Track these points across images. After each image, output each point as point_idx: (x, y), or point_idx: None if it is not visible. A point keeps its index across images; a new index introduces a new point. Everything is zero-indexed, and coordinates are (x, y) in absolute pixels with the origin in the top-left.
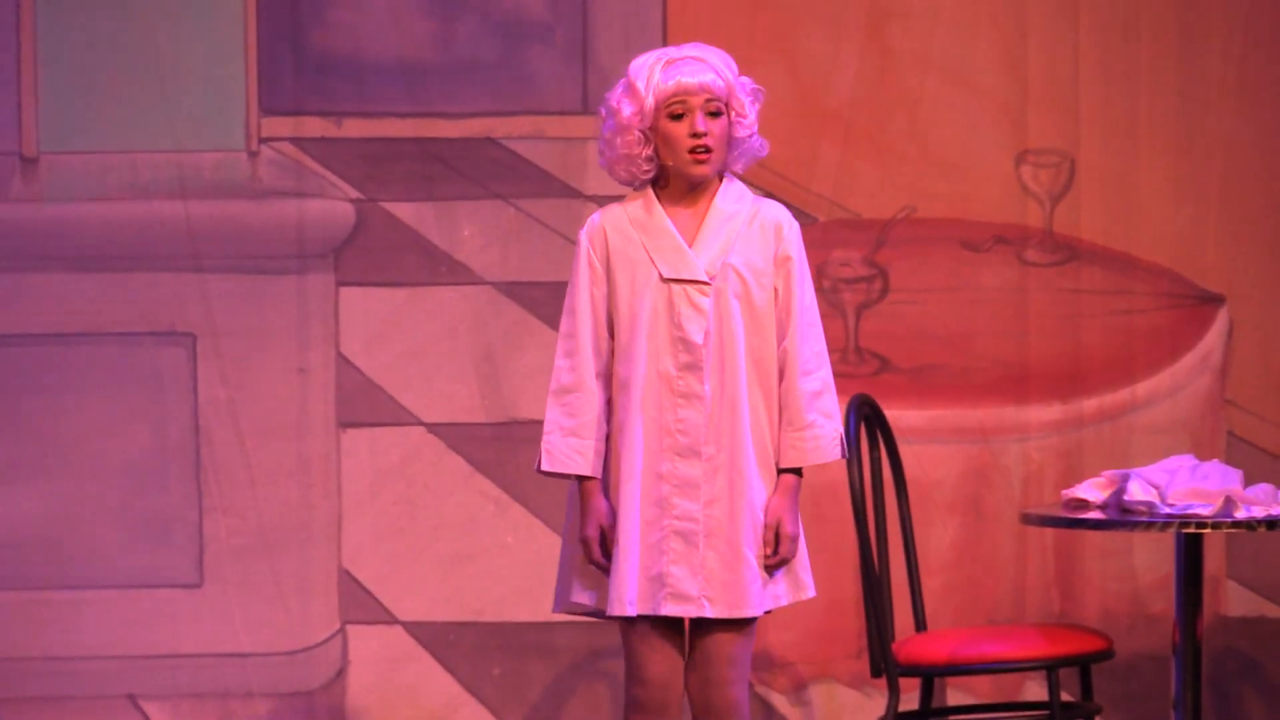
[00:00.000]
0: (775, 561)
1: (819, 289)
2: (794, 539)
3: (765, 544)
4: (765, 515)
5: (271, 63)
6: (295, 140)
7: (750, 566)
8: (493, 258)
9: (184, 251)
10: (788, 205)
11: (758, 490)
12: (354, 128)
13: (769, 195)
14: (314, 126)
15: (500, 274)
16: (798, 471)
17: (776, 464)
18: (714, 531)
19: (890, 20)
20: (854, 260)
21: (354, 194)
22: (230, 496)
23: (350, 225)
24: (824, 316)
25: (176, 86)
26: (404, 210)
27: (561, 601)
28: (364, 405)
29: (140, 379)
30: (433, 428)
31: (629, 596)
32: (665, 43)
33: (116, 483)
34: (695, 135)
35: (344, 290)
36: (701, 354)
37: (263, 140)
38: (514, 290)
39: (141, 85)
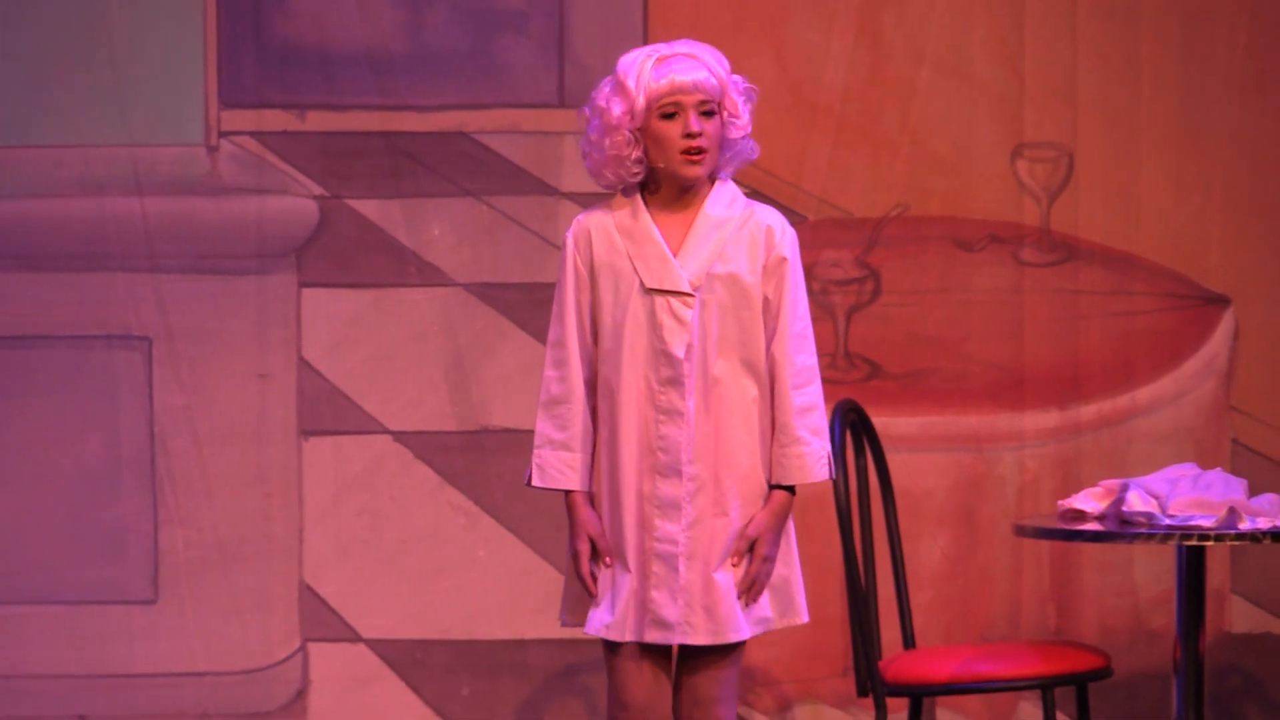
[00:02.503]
0: (745, 580)
1: (808, 290)
2: (767, 559)
3: (736, 554)
4: (748, 529)
5: (232, 53)
6: (256, 134)
7: (727, 590)
8: (464, 258)
9: (139, 251)
10: (776, 203)
11: (742, 512)
12: (318, 121)
13: (756, 193)
14: (276, 120)
15: (472, 275)
16: (791, 489)
17: (766, 481)
18: (696, 554)
19: (882, 10)
20: (845, 261)
21: (318, 191)
22: (187, 507)
23: (313, 224)
24: (813, 319)
25: (132, 77)
26: (370, 208)
27: (565, 617)
28: (327, 412)
29: (93, 384)
30: (399, 436)
31: (616, 623)
32: (646, 32)
33: (67, 493)
34: (689, 135)
35: (307, 292)
36: (684, 368)
37: (222, 134)
38: (486, 292)
39: (95, 76)
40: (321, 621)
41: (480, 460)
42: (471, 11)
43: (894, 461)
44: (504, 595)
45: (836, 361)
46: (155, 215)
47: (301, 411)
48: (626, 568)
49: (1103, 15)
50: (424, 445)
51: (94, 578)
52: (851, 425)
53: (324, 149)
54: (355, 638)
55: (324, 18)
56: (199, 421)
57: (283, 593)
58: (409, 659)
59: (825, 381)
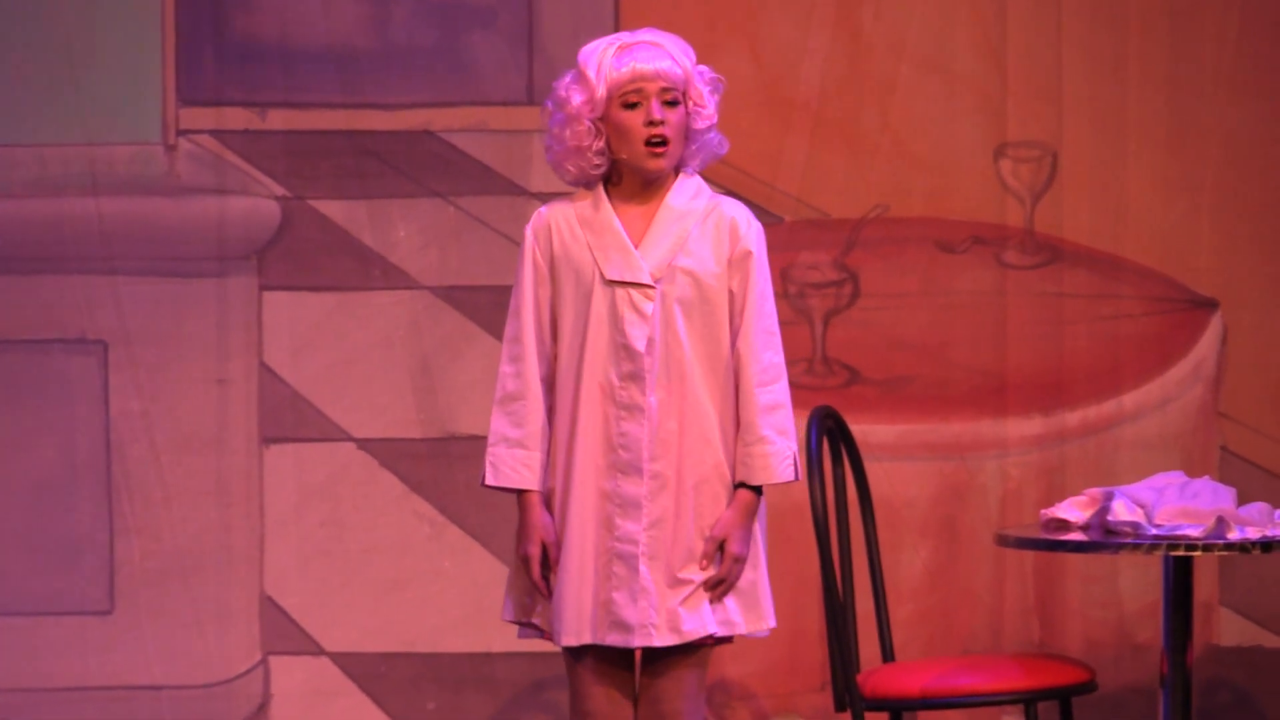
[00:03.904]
0: (713, 579)
1: (784, 294)
2: (739, 560)
3: (705, 557)
4: (714, 530)
5: (190, 48)
6: (216, 133)
7: (690, 589)
8: (430, 260)
9: (96, 253)
10: (751, 204)
11: (708, 511)
12: (280, 119)
13: (730, 193)
14: (236, 118)
15: (438, 278)
16: (757, 489)
17: (732, 480)
18: (657, 554)
19: (861, 4)
20: (822, 263)
21: (279, 191)
22: (144, 517)
23: (275, 225)
24: (790, 324)
25: (88, 74)
26: (334, 209)
27: (512, 613)
28: (289, 419)
29: (48, 390)
30: (364, 443)
31: (574, 625)
32: (618, 27)
33: (21, 501)
34: (651, 124)
35: (268, 295)
36: (645, 362)
37: (181, 133)
38: (453, 295)
39: (50, 72)
40: (283, 634)
41: (447, 468)
42: (438, 6)
43: (873, 470)
44: (470, 607)
45: (814, 367)
46: (112, 216)
47: (263, 418)
48: (583, 569)
49: (1088, 11)
50: (389, 453)
51: (48, 589)
52: (829, 433)
53: (286, 148)
54: (318, 650)
55: (286, 13)
56: (157, 428)
57: (243, 604)
58: (373, 672)
59: (802, 388)
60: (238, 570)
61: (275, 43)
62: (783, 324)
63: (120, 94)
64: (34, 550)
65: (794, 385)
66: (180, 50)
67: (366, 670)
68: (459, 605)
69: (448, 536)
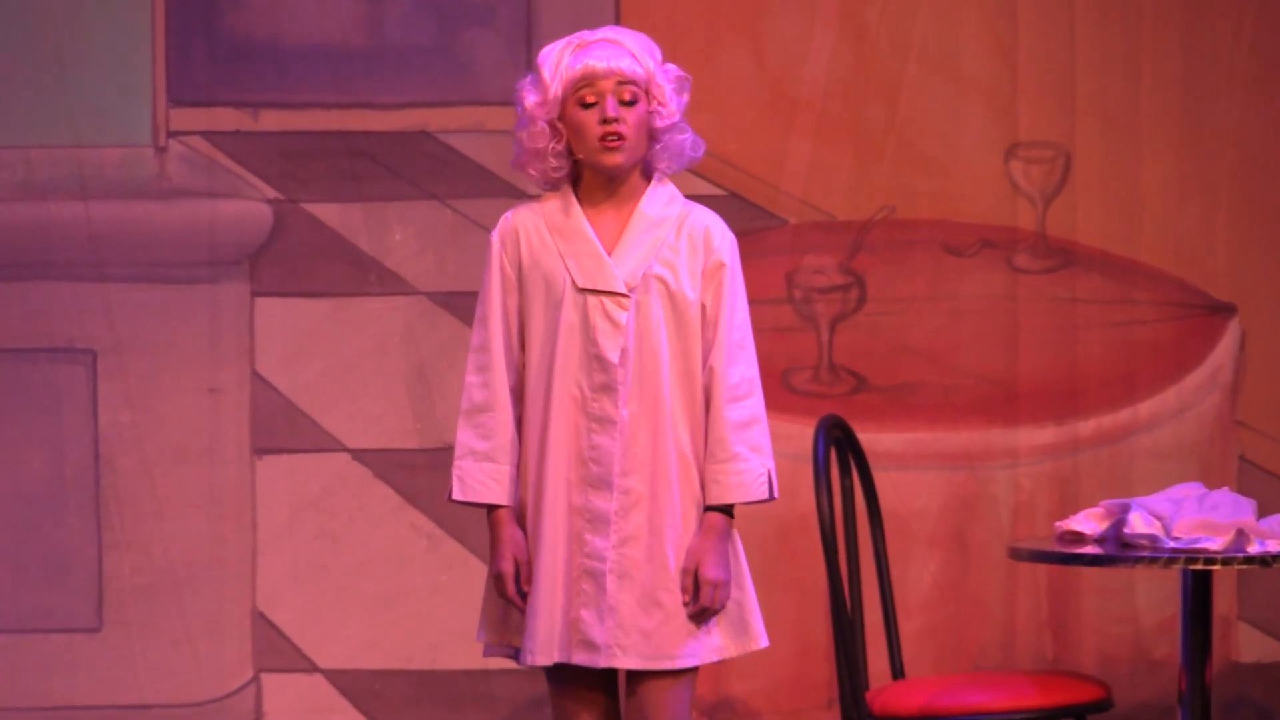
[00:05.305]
0: (695, 611)
1: (790, 299)
2: (717, 585)
3: (683, 590)
4: (685, 561)
5: (181, 48)
6: (207, 134)
7: (670, 612)
8: (427, 265)
9: (84, 258)
10: (755, 206)
11: (683, 528)
12: (272, 120)
13: (734, 195)
14: (228, 119)
15: (435, 283)
16: (727, 510)
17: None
18: (628, 572)
19: (867, 2)
20: (828, 267)
21: (272, 194)
22: (134, 530)
23: (268, 229)
24: (795, 329)
25: (76, 74)
26: (328, 212)
27: (486, 636)
28: (282, 429)
29: (35, 400)
30: (359, 454)
31: (545, 645)
32: (618, 24)
33: (7, 515)
34: (605, 122)
35: (261, 301)
36: (618, 374)
37: (171, 134)
38: (450, 301)
39: (37, 73)
40: (276, 651)
41: (444, 479)
42: (435, 4)
43: (881, 480)
44: (468, 623)
45: (820, 374)
46: (101, 220)
47: (255, 429)
48: (554, 587)
49: (1101, 7)
50: (384, 464)
51: (35, 605)
52: (836, 442)
53: (279, 150)
54: (311, 668)
55: (278, 10)
56: (147, 440)
57: (235, 620)
58: (368, 690)
59: (808, 395)
60: (229, 585)
61: (267, 41)
62: (788, 330)
63: (109, 95)
64: (21, 565)
65: (799, 392)
66: (170, 49)
67: (361, 688)
68: (456, 620)
69: (445, 550)
